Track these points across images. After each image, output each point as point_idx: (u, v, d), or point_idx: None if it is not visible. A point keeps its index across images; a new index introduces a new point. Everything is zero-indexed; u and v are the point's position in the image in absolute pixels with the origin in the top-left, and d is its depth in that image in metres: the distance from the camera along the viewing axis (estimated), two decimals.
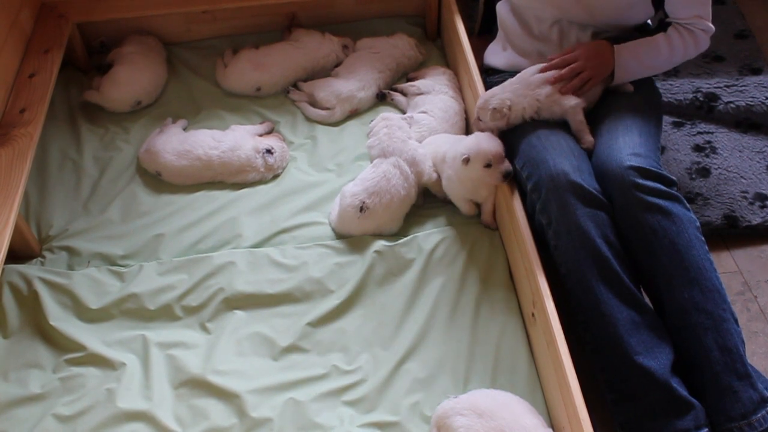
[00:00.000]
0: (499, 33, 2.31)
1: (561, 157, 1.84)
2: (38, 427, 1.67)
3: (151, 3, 2.52)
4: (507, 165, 1.93)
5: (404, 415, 1.69)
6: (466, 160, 1.92)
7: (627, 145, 1.85)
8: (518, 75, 2.04)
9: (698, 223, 1.80)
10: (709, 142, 2.48)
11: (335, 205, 2.07)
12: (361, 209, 1.99)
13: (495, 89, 2.03)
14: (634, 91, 2.06)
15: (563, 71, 1.98)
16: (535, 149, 1.89)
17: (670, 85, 2.62)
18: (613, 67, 1.99)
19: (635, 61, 2.00)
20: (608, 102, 2.04)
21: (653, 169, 1.80)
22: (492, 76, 2.27)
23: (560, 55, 2.02)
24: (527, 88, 1.99)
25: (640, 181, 1.78)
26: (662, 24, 2.06)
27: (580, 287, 1.75)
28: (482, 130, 2.02)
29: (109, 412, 1.70)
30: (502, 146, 1.94)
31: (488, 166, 1.91)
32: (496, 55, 2.29)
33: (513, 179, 1.95)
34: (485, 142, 1.94)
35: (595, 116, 2.01)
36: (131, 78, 2.40)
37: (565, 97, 1.96)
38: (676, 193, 1.80)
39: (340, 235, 2.03)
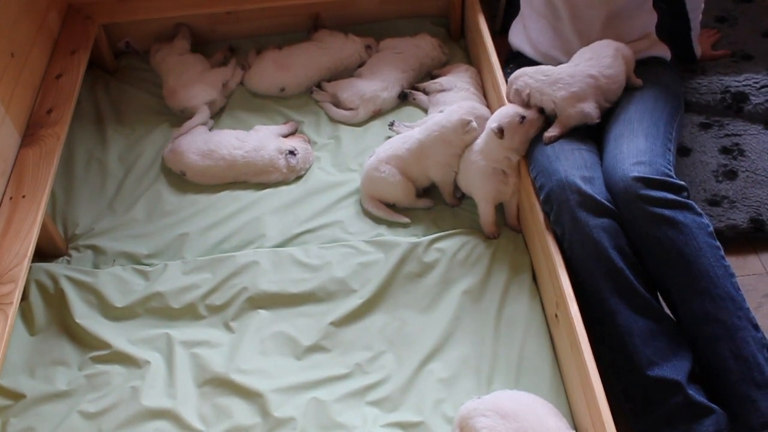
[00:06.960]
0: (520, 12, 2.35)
1: (572, 168, 1.82)
2: (64, 424, 1.69)
3: (175, 4, 2.54)
4: (534, 110, 1.95)
5: (427, 415, 1.69)
6: (500, 130, 1.92)
7: (631, 154, 1.81)
8: (555, 68, 2.00)
9: (711, 228, 1.75)
10: (737, 144, 2.44)
11: None
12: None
13: (529, 69, 1.99)
14: (648, 85, 2.03)
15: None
16: (548, 158, 1.87)
17: (698, 84, 2.58)
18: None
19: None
20: (619, 100, 2.01)
21: (658, 177, 1.75)
22: (518, 59, 2.30)
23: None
24: (549, 85, 1.95)
25: (645, 192, 1.74)
26: None
27: (595, 299, 1.74)
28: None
29: (133, 409, 1.71)
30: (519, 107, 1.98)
31: (522, 119, 1.93)
32: (519, 36, 2.33)
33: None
34: (505, 108, 1.97)
35: (608, 117, 1.99)
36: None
37: (579, 104, 1.93)
38: (683, 199, 1.75)
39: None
